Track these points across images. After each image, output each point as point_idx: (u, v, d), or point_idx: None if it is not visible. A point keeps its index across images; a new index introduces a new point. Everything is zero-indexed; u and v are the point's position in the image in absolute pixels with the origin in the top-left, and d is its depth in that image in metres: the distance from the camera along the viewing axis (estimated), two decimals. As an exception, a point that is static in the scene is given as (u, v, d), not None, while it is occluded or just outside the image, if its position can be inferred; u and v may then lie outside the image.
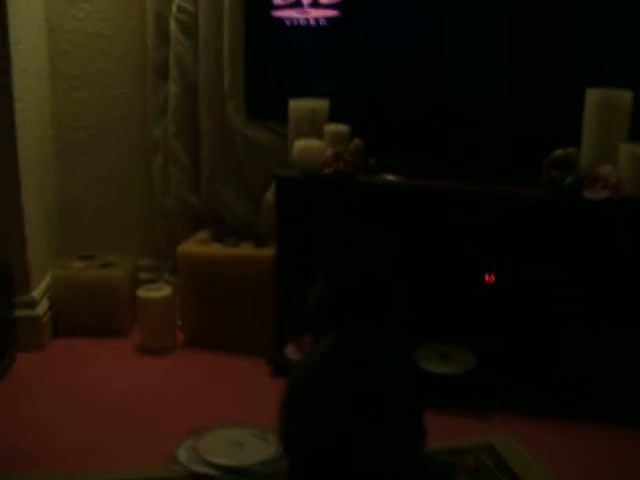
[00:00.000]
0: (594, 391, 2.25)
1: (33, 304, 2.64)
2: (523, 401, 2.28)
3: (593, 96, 2.22)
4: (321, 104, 2.49)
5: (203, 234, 2.84)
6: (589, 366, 2.25)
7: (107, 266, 2.84)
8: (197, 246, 2.72)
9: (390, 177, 2.39)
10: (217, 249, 2.73)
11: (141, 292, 2.70)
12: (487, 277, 2.34)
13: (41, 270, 2.74)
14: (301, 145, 2.41)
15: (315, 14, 2.59)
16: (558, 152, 2.21)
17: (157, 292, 2.71)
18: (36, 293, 2.67)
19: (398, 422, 1.49)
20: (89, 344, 2.72)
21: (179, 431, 2.12)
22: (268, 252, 2.62)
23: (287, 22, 2.62)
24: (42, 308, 2.69)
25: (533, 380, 2.30)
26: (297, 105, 2.49)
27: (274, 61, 2.68)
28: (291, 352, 2.45)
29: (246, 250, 2.73)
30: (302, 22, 2.60)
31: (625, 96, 2.20)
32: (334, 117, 2.50)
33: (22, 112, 2.55)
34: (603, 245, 2.20)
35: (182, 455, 2.02)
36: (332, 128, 2.43)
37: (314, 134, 2.44)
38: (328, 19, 2.58)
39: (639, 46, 2.32)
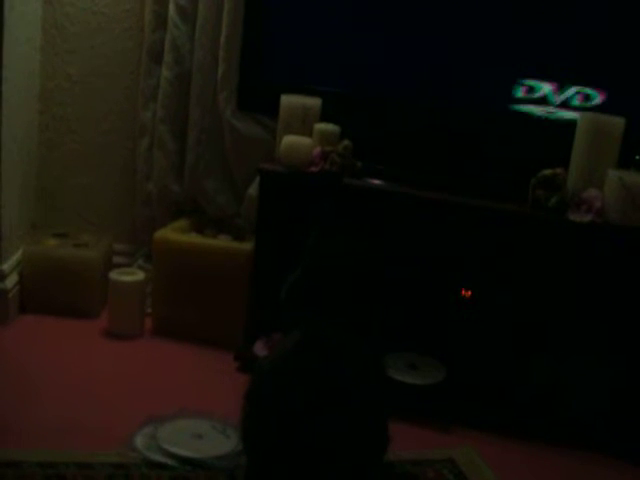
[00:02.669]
0: (559, 412, 2.25)
1: (2, 276, 2.60)
2: (488, 417, 2.26)
3: (585, 120, 2.22)
4: (313, 102, 2.47)
5: (182, 222, 2.81)
6: (556, 387, 2.25)
7: (81, 246, 2.80)
8: (174, 234, 2.69)
9: (376, 182, 2.38)
10: (194, 238, 2.70)
11: (113, 275, 2.66)
12: (464, 291, 2.34)
13: (14, 243, 2.69)
14: (289, 141, 2.39)
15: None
16: (546, 172, 2.21)
17: (129, 276, 2.67)
18: (6, 266, 2.62)
19: (361, 423, 1.47)
20: (56, 323, 2.67)
21: (138, 418, 2.09)
22: (246, 246, 2.60)
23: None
24: (11, 282, 2.64)
25: (499, 396, 2.29)
26: (289, 100, 2.47)
27: (270, 55, 2.66)
28: (260, 349, 2.43)
29: (224, 242, 2.70)
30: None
31: (617, 122, 2.20)
32: (325, 118, 2.48)
33: (9, 81, 2.51)
34: (582, 267, 2.20)
35: (139, 442, 1.99)
36: (322, 127, 2.41)
37: (304, 131, 2.42)
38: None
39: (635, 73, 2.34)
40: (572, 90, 2.37)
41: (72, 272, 2.72)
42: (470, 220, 2.28)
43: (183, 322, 2.65)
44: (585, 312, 2.22)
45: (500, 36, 2.44)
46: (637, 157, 2.30)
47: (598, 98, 2.37)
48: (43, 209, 2.96)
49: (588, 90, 2.37)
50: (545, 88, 2.39)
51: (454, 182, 2.36)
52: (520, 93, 2.42)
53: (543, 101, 2.41)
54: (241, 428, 1.67)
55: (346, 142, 2.37)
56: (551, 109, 2.40)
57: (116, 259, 2.93)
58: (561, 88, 2.38)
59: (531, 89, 2.40)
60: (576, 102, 2.39)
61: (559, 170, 2.21)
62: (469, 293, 2.33)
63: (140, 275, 2.69)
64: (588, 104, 2.38)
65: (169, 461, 1.93)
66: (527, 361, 2.28)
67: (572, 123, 2.26)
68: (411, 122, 2.52)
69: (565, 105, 2.39)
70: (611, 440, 2.20)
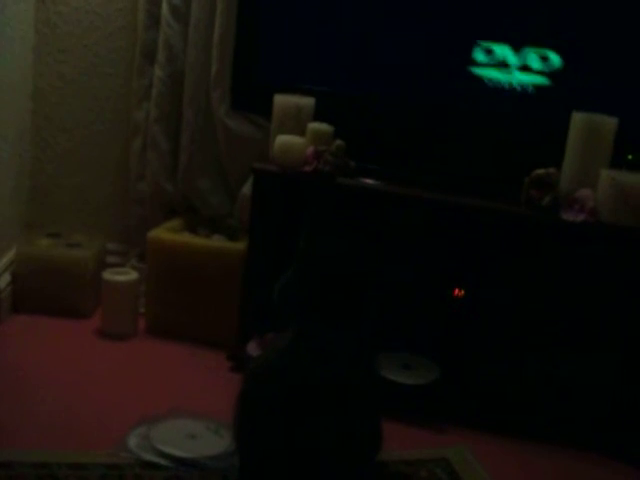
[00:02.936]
0: (553, 412, 2.25)
1: (-6, 276, 2.60)
2: (481, 416, 2.27)
3: (578, 120, 2.23)
4: (307, 101, 2.47)
5: (175, 222, 2.80)
6: (550, 386, 2.26)
7: (74, 246, 2.79)
8: (168, 233, 2.68)
9: (369, 181, 2.38)
10: (188, 238, 2.70)
11: (106, 275, 2.66)
12: (457, 291, 2.34)
13: (7, 243, 2.68)
14: (282, 140, 2.39)
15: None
16: (539, 171, 2.21)
17: (122, 276, 2.66)
18: (-1, 266, 2.62)
19: (354, 425, 1.47)
20: (49, 323, 2.66)
21: (132, 418, 2.08)
22: (239, 246, 2.60)
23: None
24: (3, 282, 2.63)
25: (492, 396, 2.29)
26: (282, 100, 2.46)
27: (263, 55, 2.66)
28: (253, 349, 2.42)
29: (217, 242, 2.70)
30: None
31: (610, 122, 2.21)
32: (319, 117, 2.47)
33: (1, 80, 2.50)
34: (575, 267, 2.21)
35: (132, 442, 1.98)
36: (315, 126, 2.41)
37: (297, 131, 2.42)
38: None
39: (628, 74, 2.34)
40: (530, 53, 2.38)
41: (65, 272, 2.71)
42: (463, 219, 2.28)
43: (176, 322, 2.64)
44: (579, 311, 2.23)
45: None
46: (629, 157, 2.30)
47: (559, 62, 2.38)
48: (36, 209, 2.95)
49: (548, 52, 2.38)
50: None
51: (447, 181, 2.36)
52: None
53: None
54: (234, 428, 1.67)
55: (339, 142, 2.37)
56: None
57: (109, 259, 2.92)
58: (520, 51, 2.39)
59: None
60: (536, 65, 2.39)
61: (552, 170, 2.22)
62: (462, 293, 2.33)
63: (133, 275, 2.68)
64: (548, 68, 2.38)
65: (162, 461, 1.92)
66: (521, 360, 2.29)
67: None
68: (404, 121, 2.52)
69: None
70: (605, 440, 2.21)
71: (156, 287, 2.66)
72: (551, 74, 2.40)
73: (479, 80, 2.45)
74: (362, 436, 1.54)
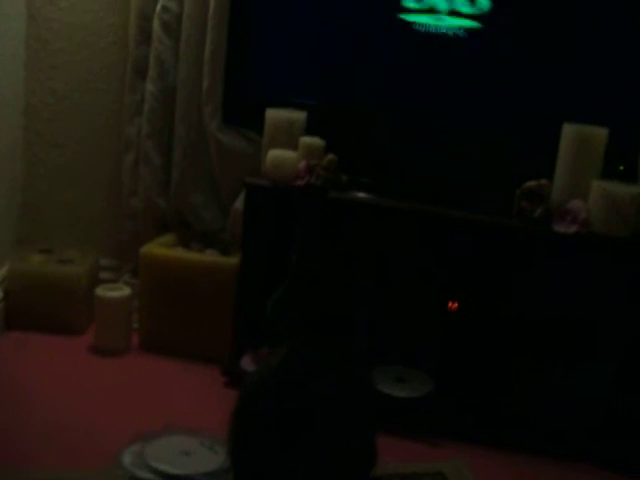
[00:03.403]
0: (548, 424, 2.25)
1: (-14, 293, 2.59)
2: (476, 430, 2.26)
3: (569, 131, 2.24)
4: (298, 115, 2.47)
5: (168, 237, 2.80)
6: (544, 399, 2.25)
7: (67, 262, 2.78)
8: (161, 249, 2.68)
9: (361, 195, 2.38)
10: (181, 253, 2.69)
11: (99, 291, 2.65)
12: (450, 304, 2.34)
13: (-2, 260, 2.68)
14: (274, 155, 2.39)
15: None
16: (530, 183, 2.22)
17: (115, 292, 2.66)
18: (-9, 283, 2.61)
19: (348, 441, 1.47)
20: (41, 340, 2.65)
21: (126, 435, 2.07)
22: (232, 260, 2.59)
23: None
24: (-4, 299, 2.63)
25: (487, 409, 2.29)
26: (274, 115, 2.47)
27: (254, 69, 2.67)
28: (247, 364, 2.42)
29: (210, 257, 2.69)
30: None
31: (600, 133, 2.21)
32: (311, 131, 2.48)
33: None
34: (568, 278, 2.21)
35: (126, 459, 1.97)
36: (307, 140, 2.41)
37: (289, 145, 2.42)
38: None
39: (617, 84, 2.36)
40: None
41: (58, 288, 2.70)
42: (456, 232, 2.28)
43: (170, 337, 2.63)
44: (573, 322, 2.23)
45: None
46: (620, 167, 2.31)
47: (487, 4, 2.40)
48: (28, 225, 2.95)
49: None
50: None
51: (439, 194, 2.37)
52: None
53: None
54: (229, 444, 1.66)
55: (331, 156, 2.37)
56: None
57: (102, 274, 2.92)
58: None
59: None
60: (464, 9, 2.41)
61: (544, 181, 2.22)
62: (455, 305, 2.33)
63: (126, 291, 2.67)
64: (477, 11, 2.41)
65: (157, 478, 1.91)
66: (515, 372, 2.29)
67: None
68: (396, 135, 2.53)
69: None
70: (600, 450, 2.20)
71: (149, 302, 2.65)
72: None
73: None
74: (357, 451, 1.53)
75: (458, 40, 2.45)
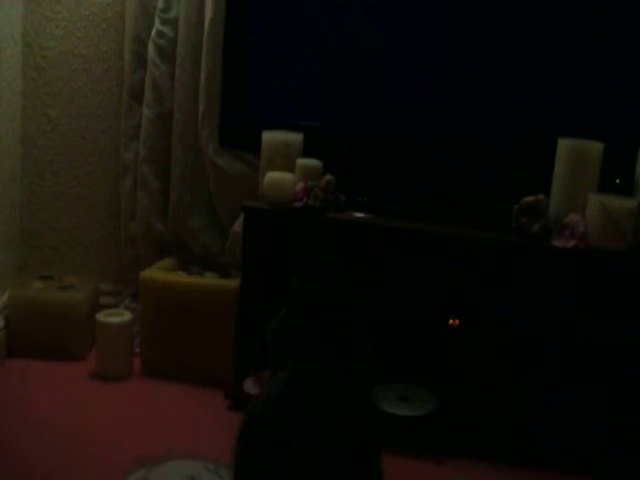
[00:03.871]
0: (552, 441, 2.24)
1: (-13, 321, 2.59)
2: (480, 447, 2.26)
3: (564, 145, 2.25)
4: (295, 137, 2.48)
5: (167, 261, 2.80)
6: (548, 414, 2.25)
7: (67, 288, 2.79)
8: (160, 273, 2.68)
9: (360, 215, 2.39)
10: (181, 277, 2.69)
11: (100, 316, 2.65)
12: (451, 321, 2.34)
13: (-1, 287, 2.69)
14: (272, 177, 2.40)
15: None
16: (528, 199, 2.23)
17: (116, 317, 2.66)
18: (-8, 311, 2.61)
19: (354, 463, 1.47)
20: (43, 366, 2.65)
21: (129, 461, 2.07)
22: (232, 283, 2.59)
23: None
24: (-3, 326, 2.63)
25: (491, 426, 2.28)
26: (270, 136, 2.48)
27: (250, 92, 2.68)
28: (250, 386, 2.42)
29: (210, 280, 2.69)
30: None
31: (596, 147, 2.23)
32: (308, 153, 2.49)
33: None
34: (568, 293, 2.21)
35: (131, 486, 1.97)
36: (304, 162, 2.42)
37: (286, 167, 2.43)
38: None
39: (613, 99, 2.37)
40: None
41: (58, 314, 2.70)
42: (455, 250, 2.29)
43: (172, 361, 2.63)
44: (572, 338, 2.22)
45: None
46: (617, 181, 2.32)
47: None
48: (28, 252, 2.95)
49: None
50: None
51: (438, 212, 2.37)
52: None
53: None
54: (233, 469, 1.65)
55: (328, 176, 2.38)
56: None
57: (103, 299, 2.92)
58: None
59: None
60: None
61: (541, 197, 2.23)
62: (457, 322, 2.33)
63: (127, 316, 2.67)
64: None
65: (162, 504, 1.91)
66: (518, 390, 2.28)
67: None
68: (392, 154, 2.54)
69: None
70: (604, 468, 2.19)
71: (150, 327, 2.65)
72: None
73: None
74: (362, 473, 1.53)
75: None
